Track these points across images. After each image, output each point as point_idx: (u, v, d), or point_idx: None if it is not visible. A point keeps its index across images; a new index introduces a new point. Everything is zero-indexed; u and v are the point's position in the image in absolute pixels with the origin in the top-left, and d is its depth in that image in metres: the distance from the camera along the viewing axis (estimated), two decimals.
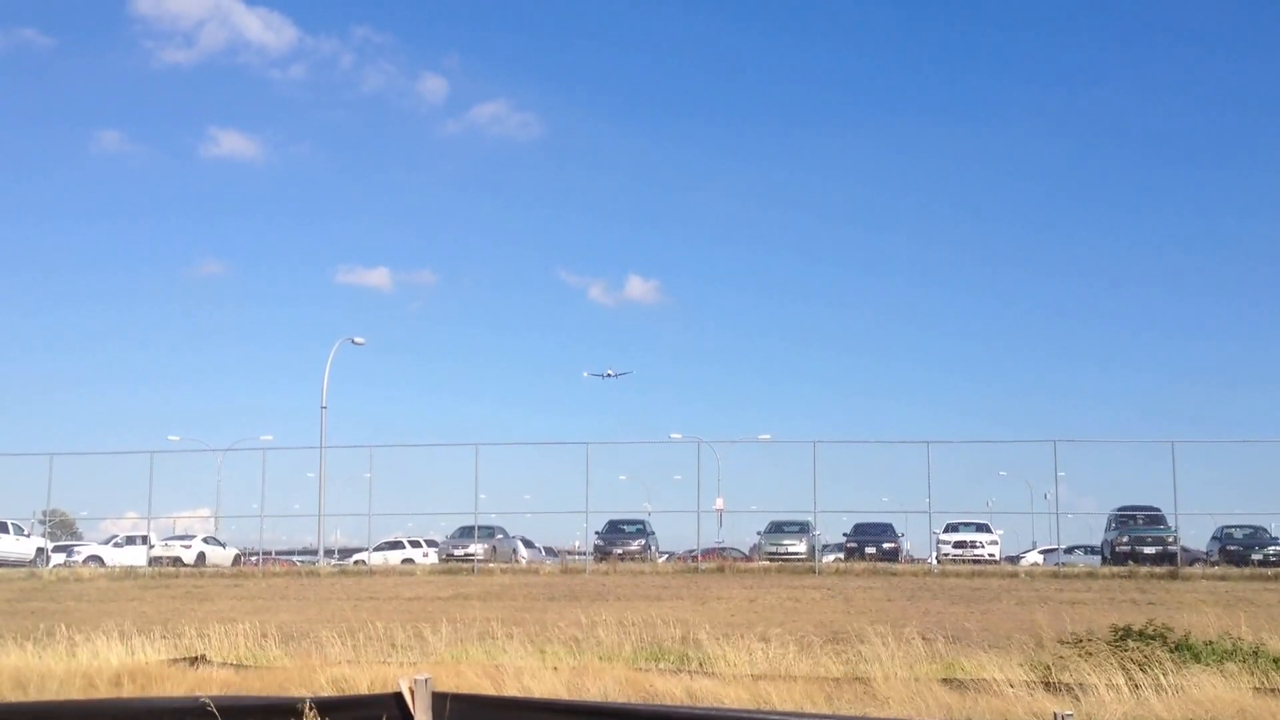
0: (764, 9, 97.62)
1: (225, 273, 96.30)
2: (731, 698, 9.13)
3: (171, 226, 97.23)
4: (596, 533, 33.99)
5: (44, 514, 36.85)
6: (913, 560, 34.85)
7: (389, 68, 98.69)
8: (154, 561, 33.86)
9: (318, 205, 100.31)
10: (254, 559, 39.64)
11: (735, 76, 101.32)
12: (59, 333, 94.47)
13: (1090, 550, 37.69)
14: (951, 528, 33.59)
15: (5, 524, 34.81)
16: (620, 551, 33.28)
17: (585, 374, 75.00)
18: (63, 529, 45.20)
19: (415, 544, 41.02)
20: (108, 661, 12.52)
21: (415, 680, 4.40)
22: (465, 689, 8.71)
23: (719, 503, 35.53)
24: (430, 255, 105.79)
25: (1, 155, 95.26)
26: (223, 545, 38.81)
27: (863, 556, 32.03)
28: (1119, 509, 32.48)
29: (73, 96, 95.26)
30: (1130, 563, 28.82)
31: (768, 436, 46.76)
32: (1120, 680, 9.34)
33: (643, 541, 35.05)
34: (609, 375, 71.67)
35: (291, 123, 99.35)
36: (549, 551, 42.02)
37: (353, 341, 39.74)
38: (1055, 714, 5.31)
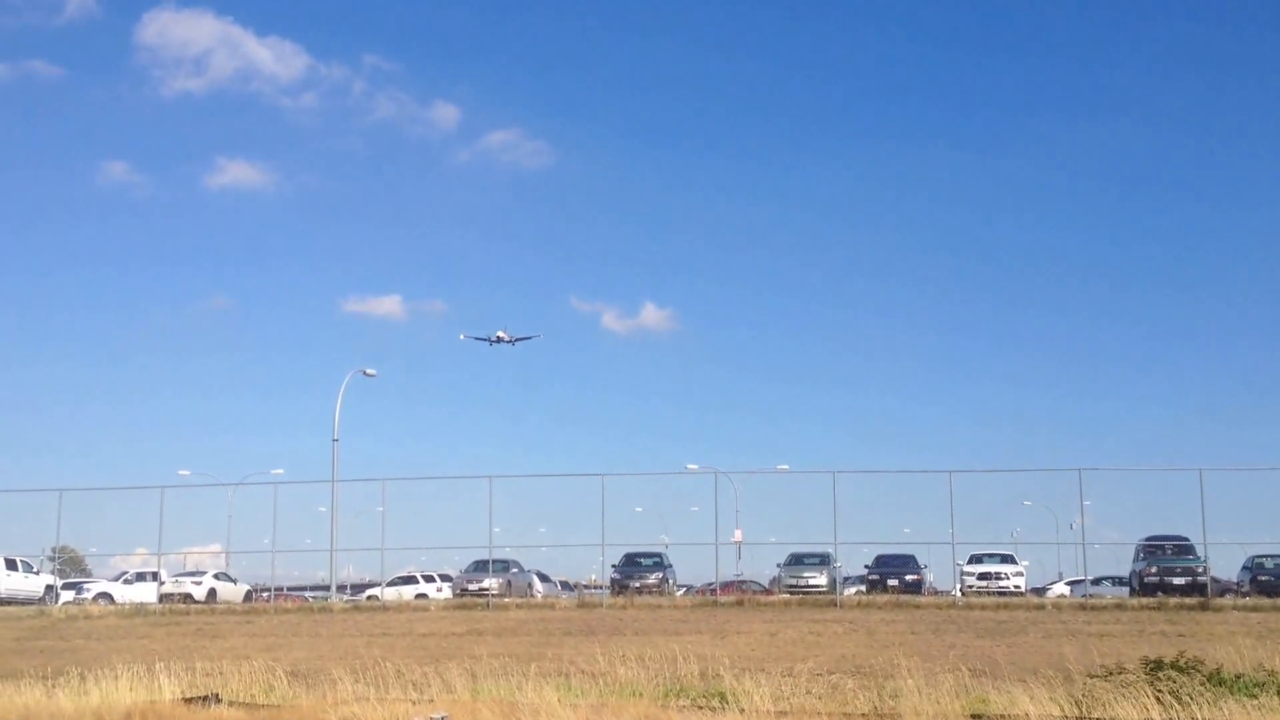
0: (774, 42, 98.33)
1: (234, 306, 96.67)
2: None
3: (180, 260, 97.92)
4: (613, 566, 33.55)
5: (53, 551, 36.59)
6: (936, 592, 34.26)
7: (400, 95, 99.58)
8: (164, 598, 33.50)
9: (328, 234, 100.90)
10: (266, 595, 39.25)
11: (747, 106, 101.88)
12: (67, 367, 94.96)
13: (1118, 581, 36.93)
14: (975, 559, 33.00)
15: (14, 561, 34.51)
16: (638, 585, 32.78)
17: (461, 336, 64.76)
18: (72, 566, 44.92)
19: (429, 579, 40.58)
20: (119, 700, 12.26)
21: (431, 719, 4.11)
22: None
23: (737, 535, 35.04)
24: (442, 284, 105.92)
25: (9, 187, 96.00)
26: (234, 581, 38.44)
27: (885, 589, 31.49)
28: (1147, 539, 31.87)
29: (80, 127, 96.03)
30: (1159, 594, 28.26)
31: (786, 467, 46.09)
32: (1156, 715, 9.00)
33: (660, 575, 34.55)
34: (498, 340, 60.74)
35: (302, 151, 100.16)
36: (565, 585, 41.52)
37: (364, 373, 39.48)
38: None
